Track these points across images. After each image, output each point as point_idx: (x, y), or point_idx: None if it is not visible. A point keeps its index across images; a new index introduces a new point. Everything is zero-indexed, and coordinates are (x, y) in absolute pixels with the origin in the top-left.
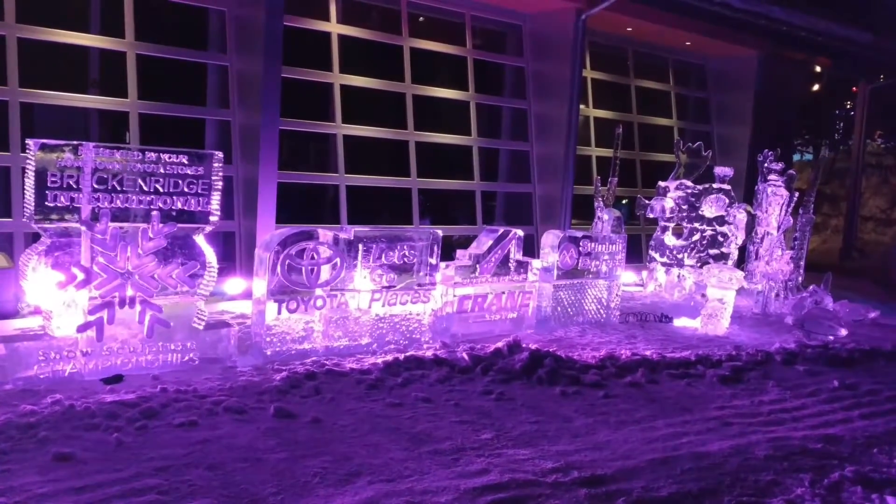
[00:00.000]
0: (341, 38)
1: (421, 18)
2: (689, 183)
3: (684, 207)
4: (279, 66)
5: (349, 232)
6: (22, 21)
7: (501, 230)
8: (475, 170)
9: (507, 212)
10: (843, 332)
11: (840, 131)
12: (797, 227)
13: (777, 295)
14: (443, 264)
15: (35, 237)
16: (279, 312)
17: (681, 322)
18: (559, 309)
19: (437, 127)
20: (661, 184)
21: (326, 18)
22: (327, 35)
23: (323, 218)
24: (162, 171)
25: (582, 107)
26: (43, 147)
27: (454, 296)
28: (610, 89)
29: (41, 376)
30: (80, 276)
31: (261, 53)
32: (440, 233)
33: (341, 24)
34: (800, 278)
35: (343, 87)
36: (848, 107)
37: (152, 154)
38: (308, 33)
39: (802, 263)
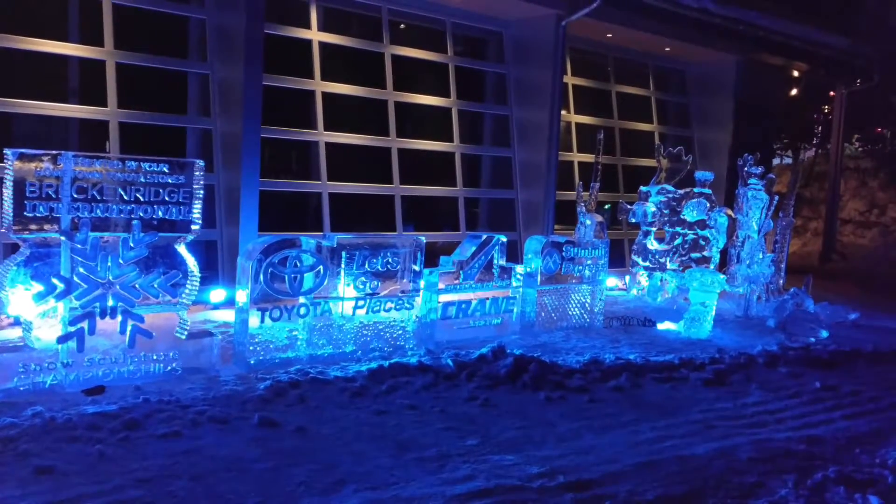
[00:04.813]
0: (322, 45)
1: (402, 25)
2: (670, 187)
3: (666, 212)
4: (260, 73)
5: (332, 239)
6: None
7: (485, 236)
8: (458, 176)
9: (491, 218)
10: (825, 333)
11: (819, 135)
12: (777, 231)
13: (759, 298)
14: (427, 271)
15: (14, 248)
16: (262, 321)
17: (664, 326)
18: (543, 314)
19: (419, 133)
20: (643, 188)
21: (307, 26)
22: (308, 42)
23: (306, 226)
24: (142, 179)
25: (563, 112)
26: (21, 156)
27: (438, 302)
28: (591, 95)
29: (21, 388)
30: (61, 286)
31: (242, 61)
32: (424, 239)
33: (322, 31)
34: (781, 281)
35: (325, 94)
36: (826, 111)
37: (132, 163)
38: (289, 41)
39: (783, 266)
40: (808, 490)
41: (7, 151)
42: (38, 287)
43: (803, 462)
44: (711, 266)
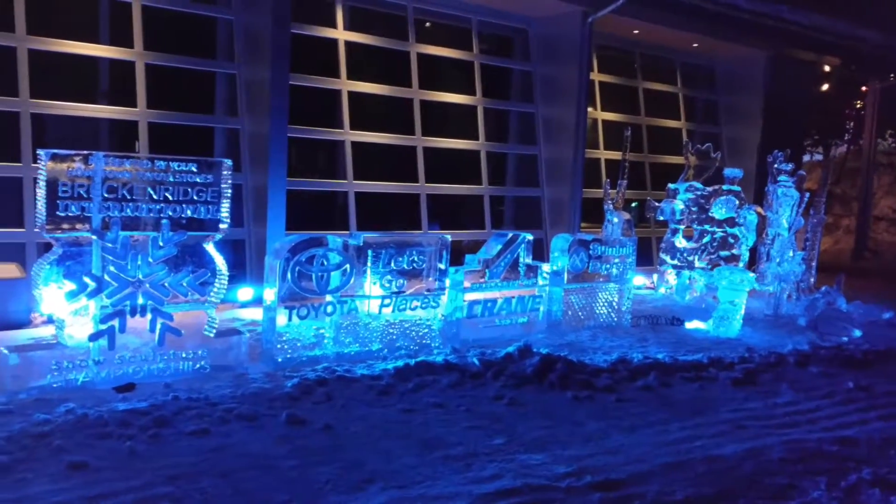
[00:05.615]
0: (348, 44)
1: (427, 24)
2: (698, 185)
3: (694, 209)
4: (287, 73)
5: (359, 238)
6: (32, 32)
7: (511, 234)
8: (483, 174)
9: (516, 216)
10: (858, 333)
11: (850, 131)
12: (808, 228)
13: (789, 296)
14: (452, 269)
15: (47, 247)
16: (290, 319)
17: (692, 324)
18: (570, 313)
19: (444, 132)
20: (671, 186)
21: (333, 25)
22: (334, 42)
23: (332, 224)
24: (171, 179)
25: (590, 110)
26: (54, 157)
27: (464, 301)
28: (618, 92)
29: (54, 385)
30: (92, 284)
31: (268, 61)
32: (449, 238)
33: (348, 30)
34: (812, 279)
35: (351, 93)
36: (858, 106)
37: (161, 163)
38: (315, 40)
39: (814, 264)
40: (841, 492)
41: (40, 152)
42: (70, 285)
43: (836, 463)
44: (740, 264)
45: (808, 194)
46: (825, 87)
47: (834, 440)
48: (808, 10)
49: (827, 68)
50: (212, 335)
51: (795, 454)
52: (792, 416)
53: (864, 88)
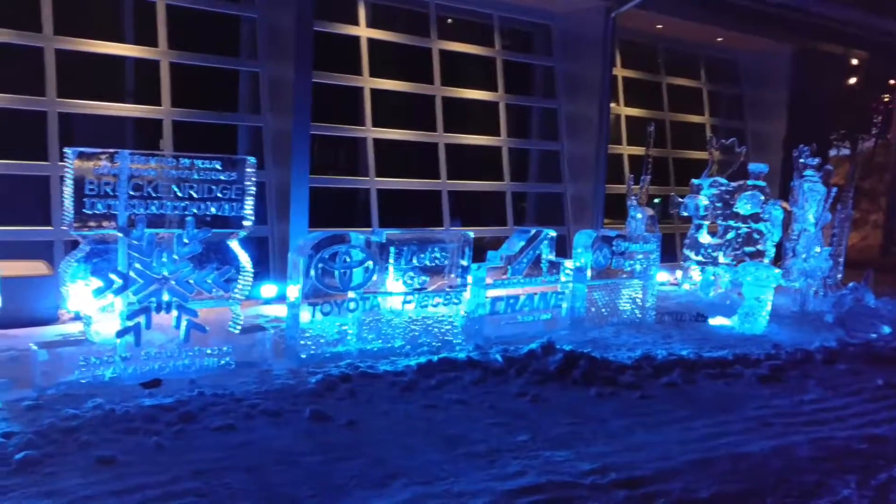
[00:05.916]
0: (370, 41)
1: (449, 20)
2: (723, 180)
3: (718, 205)
4: (309, 71)
5: (381, 235)
6: (59, 33)
7: (533, 231)
8: (505, 170)
9: (539, 212)
10: (887, 329)
11: (878, 125)
12: (835, 223)
13: (816, 292)
14: (474, 266)
15: (74, 245)
16: (313, 316)
17: (717, 321)
18: (593, 309)
19: (466, 128)
20: (695, 181)
21: (356, 23)
22: (356, 39)
23: (355, 221)
24: (196, 177)
25: (613, 105)
26: (80, 155)
27: (486, 297)
28: (641, 87)
29: (82, 381)
30: (119, 281)
31: (291, 59)
32: (471, 234)
33: (370, 27)
34: (839, 275)
35: (373, 90)
36: (886, 99)
37: (186, 160)
38: (338, 38)
39: (841, 260)
40: (871, 490)
41: (67, 151)
42: (97, 282)
43: (866, 461)
44: (766, 260)
45: (835, 189)
46: (852, 80)
47: (863, 438)
48: (836, 3)
49: (854, 62)
50: (236, 331)
51: (824, 452)
52: (819, 414)
53: (891, 82)
